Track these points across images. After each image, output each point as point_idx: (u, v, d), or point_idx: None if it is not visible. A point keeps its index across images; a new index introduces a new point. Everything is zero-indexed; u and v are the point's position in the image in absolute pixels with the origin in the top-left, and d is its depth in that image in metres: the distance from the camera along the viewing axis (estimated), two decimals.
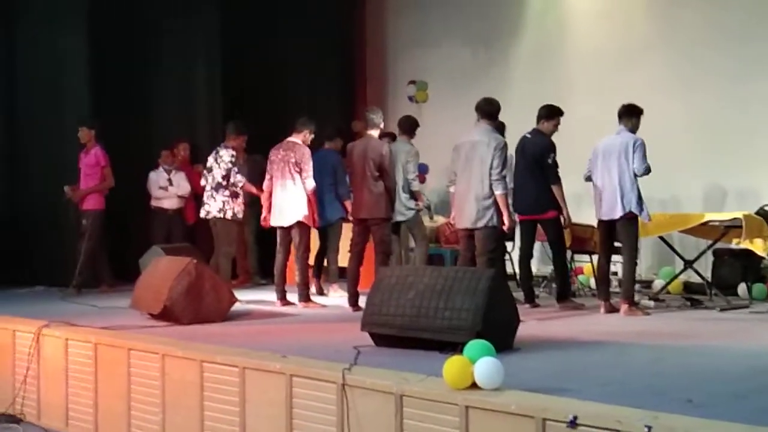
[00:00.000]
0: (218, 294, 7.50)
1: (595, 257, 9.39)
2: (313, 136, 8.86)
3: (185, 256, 7.92)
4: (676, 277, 8.99)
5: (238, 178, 9.16)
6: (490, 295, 5.49)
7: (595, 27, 11.18)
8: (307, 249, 8.74)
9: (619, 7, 11.04)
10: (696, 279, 8.95)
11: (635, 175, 7.64)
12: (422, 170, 10.43)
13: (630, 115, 7.88)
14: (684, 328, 7.04)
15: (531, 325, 6.79)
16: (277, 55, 12.39)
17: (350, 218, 9.30)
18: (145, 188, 11.01)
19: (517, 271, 8.72)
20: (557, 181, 8.17)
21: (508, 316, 5.84)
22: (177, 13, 11.74)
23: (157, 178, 11.02)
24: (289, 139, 8.73)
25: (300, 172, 8.52)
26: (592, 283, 9.78)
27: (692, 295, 8.79)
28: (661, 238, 8.79)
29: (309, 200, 8.57)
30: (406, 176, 8.97)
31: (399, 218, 8.94)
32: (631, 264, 7.77)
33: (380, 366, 5.00)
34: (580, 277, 9.83)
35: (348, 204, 9.31)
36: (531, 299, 8.35)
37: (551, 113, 8.35)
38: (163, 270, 7.64)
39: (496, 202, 7.39)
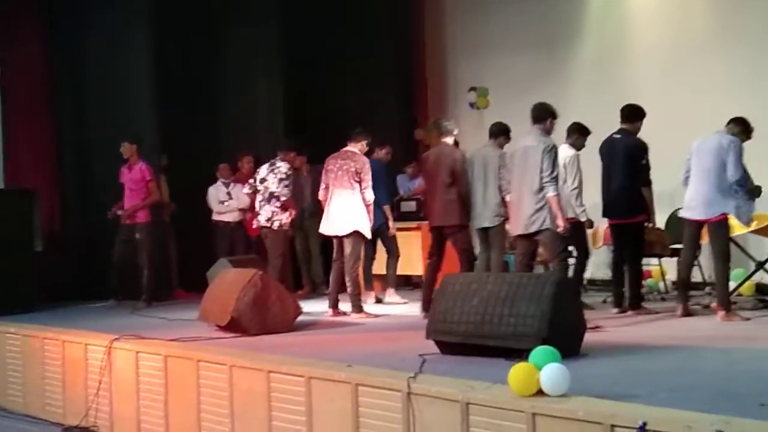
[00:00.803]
0: (284, 304, 7.56)
1: (664, 260, 9.29)
2: (368, 148, 8.88)
3: (252, 268, 8.01)
4: (747, 278, 8.78)
5: (284, 192, 9.06)
6: (555, 300, 5.44)
7: (656, 28, 11.00)
8: (359, 259, 8.68)
9: (681, 6, 10.86)
10: None
11: (736, 182, 7.44)
12: None
13: (737, 123, 7.69)
14: (756, 331, 6.88)
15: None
16: (337, 63, 12.48)
17: (390, 225, 9.54)
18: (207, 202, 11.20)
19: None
20: (649, 183, 8.08)
21: (575, 322, 5.77)
22: (237, 23, 11.93)
23: (216, 192, 11.20)
24: (347, 148, 8.74)
25: (360, 182, 8.53)
26: (661, 286, 9.65)
27: (764, 297, 8.60)
28: (732, 239, 8.60)
29: (367, 211, 8.57)
30: (499, 182, 8.53)
31: (486, 224, 8.62)
32: (723, 268, 7.54)
33: (445, 374, 4.99)
34: (649, 281, 9.68)
35: (387, 209, 9.54)
36: (620, 303, 8.17)
37: (641, 113, 8.20)
38: (229, 282, 7.72)
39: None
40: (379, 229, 9.64)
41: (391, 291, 9.82)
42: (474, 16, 12.96)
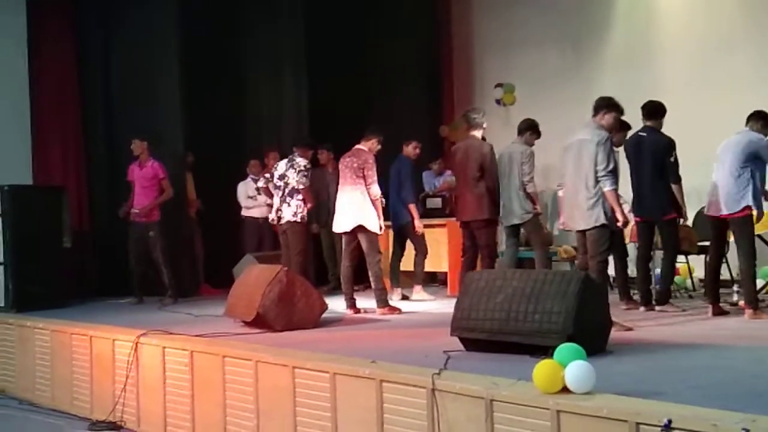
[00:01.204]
0: (309, 301, 7.57)
1: (691, 257, 9.21)
2: (380, 146, 8.73)
3: (277, 264, 8.03)
4: None
5: (303, 181, 8.87)
6: (581, 297, 5.41)
7: (683, 24, 10.95)
8: (379, 253, 8.55)
9: (706, 4, 10.80)
10: None
11: None
12: None
13: (757, 119, 7.61)
14: None
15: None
16: (363, 60, 12.50)
17: (417, 224, 9.46)
18: (236, 198, 11.24)
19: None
20: (678, 180, 7.92)
21: (601, 319, 5.75)
22: (263, 20, 11.98)
23: (245, 188, 11.27)
24: (357, 146, 8.67)
25: (364, 178, 8.41)
26: (688, 284, 9.59)
27: None
28: (759, 236, 8.51)
29: (374, 206, 8.43)
30: (521, 178, 8.58)
31: (515, 221, 8.65)
32: (749, 266, 7.45)
33: (470, 371, 4.98)
34: (676, 278, 9.60)
35: (412, 207, 9.46)
36: (649, 301, 8.05)
37: (663, 109, 8.09)
38: (255, 278, 7.75)
39: (603, 200, 6.92)
40: (406, 227, 9.63)
41: (418, 288, 9.80)
42: (500, 13, 12.94)
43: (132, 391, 7.09)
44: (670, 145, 7.97)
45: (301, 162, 9.02)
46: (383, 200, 8.70)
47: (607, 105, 7.18)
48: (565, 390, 4.27)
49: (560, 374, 4.29)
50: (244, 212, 11.34)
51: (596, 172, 6.86)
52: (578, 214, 7.06)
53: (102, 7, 11.38)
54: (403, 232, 9.77)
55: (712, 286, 7.74)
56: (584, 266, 7.14)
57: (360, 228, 8.43)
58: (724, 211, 7.50)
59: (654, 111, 8.13)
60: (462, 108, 12.77)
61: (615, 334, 5.98)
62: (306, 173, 8.96)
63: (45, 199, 10.15)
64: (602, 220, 6.86)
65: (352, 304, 8.57)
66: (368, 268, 8.51)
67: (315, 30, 11.89)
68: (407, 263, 10.12)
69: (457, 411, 4.64)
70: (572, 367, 4.29)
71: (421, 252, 9.82)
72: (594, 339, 5.48)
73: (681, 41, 10.90)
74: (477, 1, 13.45)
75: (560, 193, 7.55)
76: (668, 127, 8.22)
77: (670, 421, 3.74)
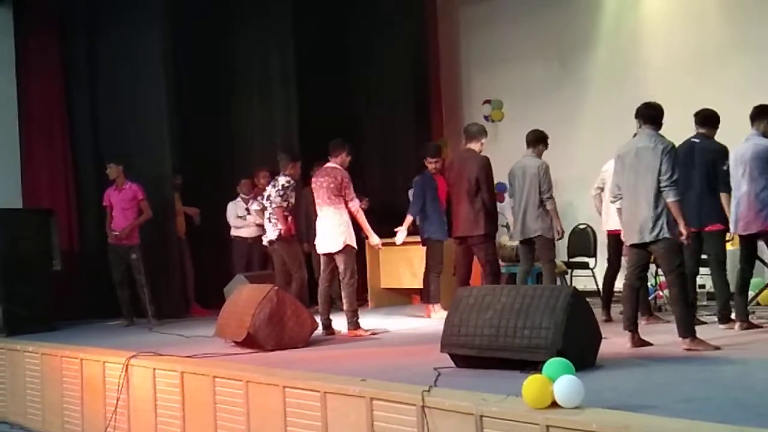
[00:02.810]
0: (300, 320, 7.57)
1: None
2: (350, 158, 8.53)
3: (268, 284, 8.02)
4: (765, 287, 8.74)
5: (276, 200, 8.77)
6: (570, 312, 5.42)
7: (670, 36, 11.02)
8: (353, 274, 8.33)
9: (694, 14, 10.85)
10: None
11: None
12: (500, 189, 10.30)
13: (760, 117, 7.48)
14: None
15: (612, 341, 6.57)
16: (351, 79, 12.53)
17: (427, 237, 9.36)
18: (225, 217, 11.24)
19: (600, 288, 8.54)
20: (729, 189, 7.59)
21: (590, 334, 5.76)
22: (252, 41, 12.00)
23: (235, 208, 11.26)
24: (327, 164, 8.50)
25: (343, 196, 8.26)
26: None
27: None
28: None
29: (357, 220, 8.35)
30: (541, 195, 8.33)
31: (528, 235, 8.37)
32: (745, 277, 7.41)
33: (460, 387, 4.99)
34: (666, 292, 9.59)
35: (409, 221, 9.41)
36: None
37: (716, 118, 7.82)
38: (245, 298, 7.75)
39: (667, 211, 6.53)
40: (425, 242, 9.62)
41: (437, 307, 9.50)
42: (487, 29, 13.00)
43: (123, 413, 7.06)
44: (722, 152, 7.65)
45: (282, 180, 8.89)
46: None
47: (661, 112, 6.92)
48: (554, 405, 4.27)
49: (549, 389, 4.30)
50: (233, 232, 11.33)
51: (659, 181, 6.52)
52: (639, 227, 6.64)
53: (89, 26, 11.41)
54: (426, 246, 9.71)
55: (745, 303, 7.50)
56: (633, 280, 6.76)
57: (342, 249, 8.29)
58: (755, 228, 7.39)
59: (707, 119, 7.84)
60: (451, 124, 12.88)
61: (604, 348, 5.96)
62: (282, 192, 8.80)
63: (34, 222, 10.15)
64: (665, 233, 6.51)
65: (328, 326, 8.38)
66: (342, 287, 8.31)
67: (303, 48, 11.90)
68: (393, 281, 10.09)
69: (447, 428, 4.64)
70: (561, 381, 4.29)
71: (435, 270, 9.63)
72: (583, 353, 5.50)
73: (667, 54, 10.96)
74: (463, 18, 13.52)
75: (617, 205, 6.95)
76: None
77: None
